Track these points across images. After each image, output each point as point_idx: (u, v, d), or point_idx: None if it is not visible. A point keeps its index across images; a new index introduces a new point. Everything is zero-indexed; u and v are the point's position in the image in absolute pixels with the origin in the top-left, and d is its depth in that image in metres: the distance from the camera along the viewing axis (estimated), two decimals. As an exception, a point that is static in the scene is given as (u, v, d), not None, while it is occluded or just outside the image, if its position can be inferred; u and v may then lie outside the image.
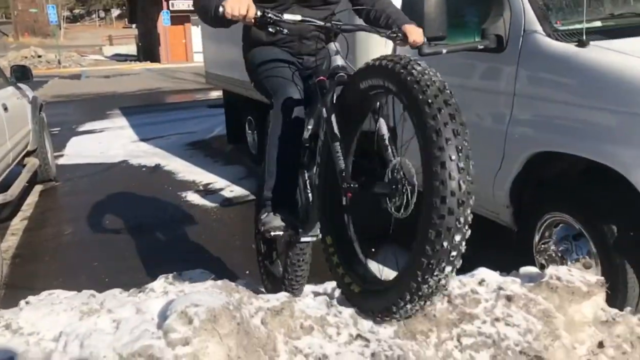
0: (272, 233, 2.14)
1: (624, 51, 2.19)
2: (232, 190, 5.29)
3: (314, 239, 2.26)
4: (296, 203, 2.30)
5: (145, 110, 11.19)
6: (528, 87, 2.48)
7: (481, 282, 1.69)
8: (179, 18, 26.55)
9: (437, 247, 1.36)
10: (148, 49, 29.62)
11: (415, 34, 2.01)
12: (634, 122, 2.04)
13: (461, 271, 1.75)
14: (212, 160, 6.62)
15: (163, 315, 1.21)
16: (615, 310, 1.70)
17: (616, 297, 2.05)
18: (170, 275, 2.26)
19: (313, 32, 2.21)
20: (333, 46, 2.01)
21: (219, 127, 8.02)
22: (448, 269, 1.40)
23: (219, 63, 6.46)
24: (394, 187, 1.60)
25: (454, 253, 1.38)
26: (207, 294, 1.25)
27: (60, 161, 6.90)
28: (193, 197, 5.15)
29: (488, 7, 2.62)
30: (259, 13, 1.84)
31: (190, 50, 27.70)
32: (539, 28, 2.44)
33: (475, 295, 1.62)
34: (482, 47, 2.54)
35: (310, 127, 2.21)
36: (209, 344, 1.09)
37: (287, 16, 1.89)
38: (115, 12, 64.38)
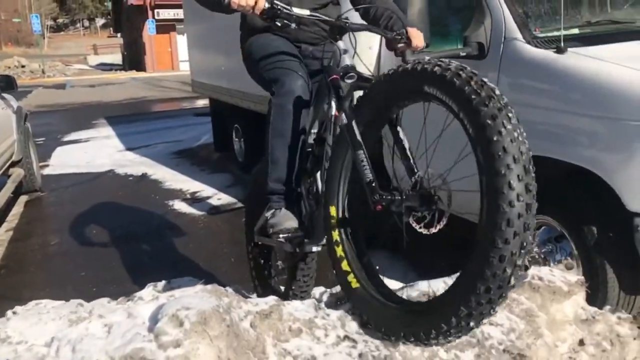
0: (283, 235, 2.04)
1: (601, 57, 2.26)
2: (220, 198, 5.29)
3: (319, 248, 2.17)
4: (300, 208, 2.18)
5: (131, 119, 11.16)
6: (509, 93, 2.50)
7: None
8: (164, 27, 26.53)
9: (499, 272, 1.26)
10: (133, 58, 29.53)
11: (418, 38, 1.98)
12: (610, 126, 2.10)
13: (447, 273, 1.79)
14: (199, 168, 6.63)
15: (154, 319, 1.23)
16: (595, 309, 1.75)
17: (596, 297, 2.11)
18: (159, 284, 2.28)
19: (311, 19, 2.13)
20: (341, 44, 1.93)
21: (205, 135, 8.03)
22: (505, 295, 1.31)
23: (205, 71, 6.49)
24: (423, 202, 1.50)
25: (513, 278, 1.29)
26: (197, 297, 1.28)
27: (46, 171, 6.86)
28: (180, 206, 5.15)
29: (469, 15, 2.69)
30: (267, 5, 1.75)
31: (176, 59, 27.66)
32: (518, 35, 2.50)
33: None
34: (464, 54, 2.60)
35: (314, 130, 2.15)
36: (200, 346, 1.12)
37: (296, 10, 1.81)
38: (100, 21, 64.14)
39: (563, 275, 1.79)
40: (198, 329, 1.14)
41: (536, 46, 2.45)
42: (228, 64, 5.62)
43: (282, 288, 2.53)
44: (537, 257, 2.47)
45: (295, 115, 2.03)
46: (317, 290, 2.09)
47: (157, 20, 26.21)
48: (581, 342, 1.67)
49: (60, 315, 1.60)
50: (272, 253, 2.62)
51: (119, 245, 4.16)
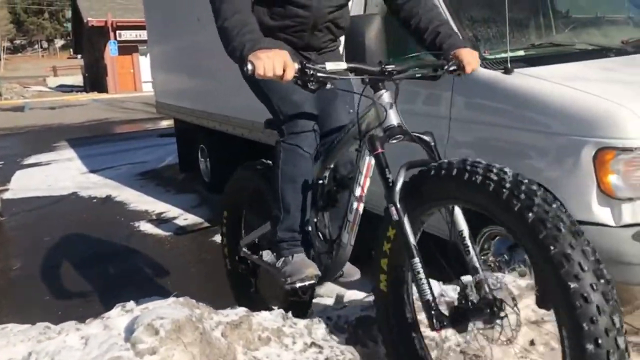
0: (304, 283, 1.81)
1: (544, 77, 2.45)
2: (186, 219, 5.30)
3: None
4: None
5: (93, 141, 11.02)
6: (462, 112, 2.70)
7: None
8: (126, 48, 26.32)
9: None
10: (95, 80, 29.13)
11: (474, 61, 1.78)
12: (552, 141, 2.27)
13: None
14: (164, 189, 6.61)
15: (130, 329, 1.28)
16: (543, 311, 1.88)
17: (548, 300, 2.25)
18: (127, 304, 2.30)
19: (327, 23, 1.95)
20: (385, 96, 1.60)
21: (170, 156, 8.02)
22: None
23: (169, 92, 6.52)
24: (489, 310, 1.33)
25: None
26: (170, 308, 1.34)
27: (6, 195, 6.72)
28: (146, 227, 5.13)
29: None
30: (297, 69, 1.47)
31: (138, 80, 27.42)
32: (469, 57, 2.67)
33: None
34: (419, 75, 2.74)
35: (324, 181, 1.98)
36: (175, 352, 1.18)
37: (330, 66, 1.52)
38: (59, 42, 63.08)
39: (514, 281, 1.92)
40: (173, 336, 1.20)
41: (485, 67, 2.62)
42: (193, 85, 5.69)
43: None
44: (492, 265, 2.61)
45: (307, 159, 1.88)
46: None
47: (119, 42, 25.99)
48: (532, 342, 1.80)
49: (28, 337, 1.62)
50: (258, 270, 2.54)
51: (84, 268, 4.13)
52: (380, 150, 1.55)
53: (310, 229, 1.97)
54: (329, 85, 1.54)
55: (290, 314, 1.67)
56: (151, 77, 7.40)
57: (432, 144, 1.56)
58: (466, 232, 1.45)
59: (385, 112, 1.59)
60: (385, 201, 1.49)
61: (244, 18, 1.56)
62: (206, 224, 5.04)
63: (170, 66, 6.44)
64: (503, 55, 2.59)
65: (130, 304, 2.32)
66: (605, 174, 2.15)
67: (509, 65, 2.51)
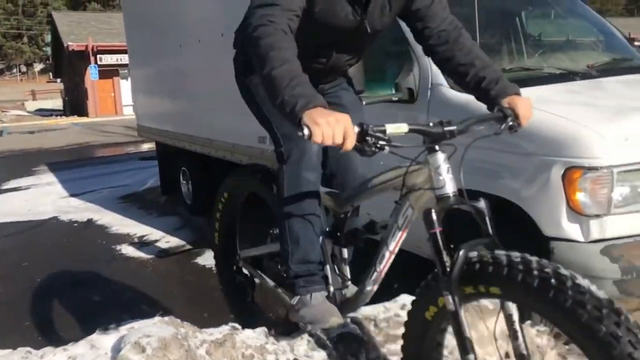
0: (327, 326, 1.69)
1: (514, 100, 2.55)
2: (168, 241, 5.30)
3: None
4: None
5: (74, 165, 10.94)
6: (439, 133, 2.79)
7: (403, 307, 1.89)
8: (107, 72, 26.30)
9: None
10: (75, 103, 28.97)
11: (529, 111, 1.61)
12: (524, 161, 2.37)
13: (386, 298, 1.95)
14: (146, 212, 6.60)
15: (117, 348, 1.32)
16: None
17: (524, 315, 2.32)
18: (110, 326, 2.32)
19: (350, 59, 1.87)
20: (441, 159, 1.43)
21: (152, 179, 8.01)
22: None
23: (151, 116, 6.56)
24: None
25: None
26: (156, 326, 1.38)
27: (-16, 221, 6.64)
28: (128, 250, 5.12)
29: (400, 63, 2.96)
30: (357, 133, 1.30)
31: (119, 104, 27.35)
32: (443, 82, 2.78)
33: (397, 319, 1.82)
34: (396, 98, 2.86)
35: (346, 216, 1.85)
36: (161, 369, 1.22)
37: (390, 129, 1.36)
38: (38, 66, 62.68)
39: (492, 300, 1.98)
40: (159, 354, 1.24)
41: (459, 91, 2.72)
42: (175, 108, 5.74)
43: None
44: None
45: (313, 182, 1.77)
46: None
47: (99, 66, 25.97)
48: (507, 355, 1.85)
49: (11, 362, 1.64)
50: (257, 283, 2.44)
51: (65, 292, 4.10)
52: (437, 229, 1.39)
53: (324, 260, 1.84)
54: (386, 150, 1.34)
55: (272, 331, 1.72)
56: (132, 101, 7.43)
57: (486, 214, 1.42)
58: (516, 317, 1.39)
59: (441, 177, 1.42)
60: (433, 282, 1.40)
61: (294, 69, 1.37)
62: (188, 247, 5.05)
63: (151, 90, 6.50)
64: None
65: (112, 327, 2.34)
66: (574, 191, 2.25)
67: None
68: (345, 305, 1.81)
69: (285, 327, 1.87)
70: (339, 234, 1.88)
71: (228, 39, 4.23)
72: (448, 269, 1.34)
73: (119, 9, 29.17)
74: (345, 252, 1.90)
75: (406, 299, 1.94)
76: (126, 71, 23.00)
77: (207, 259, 4.67)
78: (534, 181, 2.38)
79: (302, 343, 1.64)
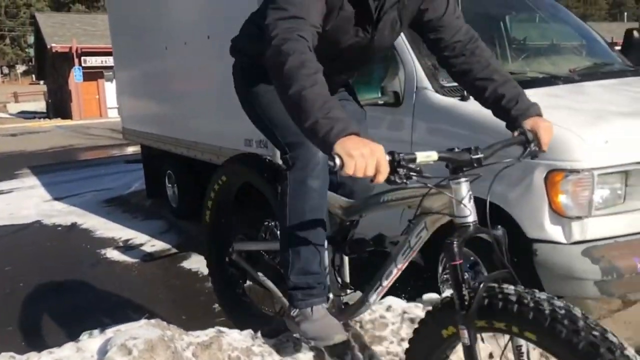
0: (331, 343, 1.66)
1: (497, 104, 2.59)
2: (154, 245, 5.27)
3: None
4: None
5: (58, 168, 10.83)
6: (423, 136, 2.83)
7: (388, 308, 1.91)
8: (91, 74, 26.09)
9: None
10: (59, 106, 28.68)
11: (550, 135, 1.54)
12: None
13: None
14: (131, 215, 6.55)
15: (103, 351, 1.31)
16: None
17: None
18: (94, 332, 2.30)
19: (354, 72, 1.86)
20: (464, 187, 1.38)
21: (137, 182, 7.96)
22: None
23: (136, 118, 6.52)
24: None
25: None
26: (142, 329, 1.38)
27: (-35, 225, 6.55)
28: (113, 254, 5.08)
29: (386, 67, 2.99)
30: (388, 157, 1.24)
31: (104, 106, 27.13)
32: (428, 85, 2.82)
33: (383, 320, 1.84)
34: (382, 102, 2.88)
35: (352, 224, 1.80)
36: (147, 371, 1.22)
37: (420, 157, 1.30)
38: (21, 68, 61.92)
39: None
40: (146, 355, 1.24)
41: (444, 94, 2.76)
42: (160, 111, 5.72)
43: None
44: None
45: (318, 191, 1.70)
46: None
47: (84, 68, 25.74)
48: (490, 355, 1.88)
49: (-6, 366, 1.63)
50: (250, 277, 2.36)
51: (49, 297, 4.06)
52: (458, 261, 1.34)
53: (325, 267, 1.80)
54: (415, 177, 1.30)
55: (259, 333, 1.72)
56: (117, 103, 7.39)
57: (504, 243, 1.39)
58: (525, 348, 1.37)
59: (464, 206, 1.37)
60: (449, 312, 1.36)
61: (326, 91, 1.29)
62: (174, 250, 5.03)
63: (137, 92, 6.46)
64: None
65: (96, 332, 2.32)
66: (556, 194, 2.29)
67: (465, 92, 2.65)
68: (344, 312, 1.80)
69: (275, 325, 1.87)
70: (341, 241, 1.84)
71: (214, 42, 4.26)
72: (466, 303, 1.31)
73: (104, 11, 28.94)
74: (346, 259, 1.87)
75: (392, 301, 1.96)
76: (111, 73, 22.78)
77: (192, 262, 4.65)
78: (517, 184, 2.41)
79: (288, 345, 1.65)
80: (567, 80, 2.98)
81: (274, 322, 2.08)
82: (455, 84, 2.77)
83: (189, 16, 4.64)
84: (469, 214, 1.36)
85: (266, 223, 2.22)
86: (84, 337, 2.06)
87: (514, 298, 1.26)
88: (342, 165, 1.19)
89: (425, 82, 2.82)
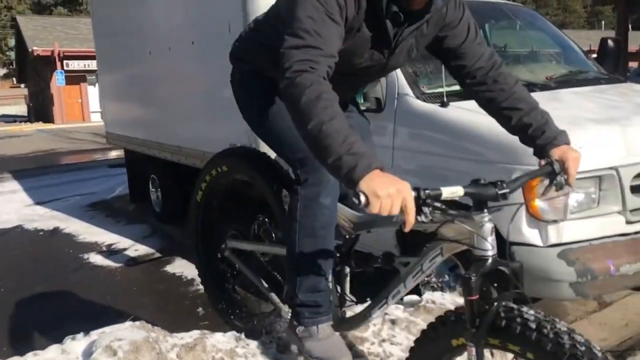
0: None
1: (476, 110, 2.63)
2: (137, 249, 5.26)
3: None
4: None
5: (39, 172, 10.71)
6: (405, 142, 2.88)
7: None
8: (74, 78, 25.84)
9: None
10: (40, 109, 28.36)
11: (578, 164, 1.49)
12: (484, 168, 2.47)
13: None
14: (114, 220, 6.52)
15: (88, 352, 1.33)
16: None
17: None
18: (77, 336, 2.30)
19: (360, 88, 1.85)
20: (487, 221, 1.35)
21: (120, 186, 7.91)
22: None
23: (120, 123, 6.50)
24: None
25: None
26: (127, 330, 1.40)
27: (-56, 230, 6.46)
28: (96, 259, 5.06)
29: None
30: (413, 193, 1.20)
31: (87, 110, 26.89)
32: (409, 92, 2.88)
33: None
34: (364, 108, 2.93)
35: (358, 236, 1.77)
36: (132, 372, 1.24)
37: (446, 193, 1.27)
38: (1, 71, 61.06)
39: (452, 298, 2.07)
40: (131, 357, 1.26)
41: (424, 101, 2.83)
42: (144, 115, 5.71)
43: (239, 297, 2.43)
44: (435, 286, 2.77)
45: (329, 208, 1.68)
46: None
47: (66, 71, 25.50)
48: None
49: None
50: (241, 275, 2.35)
51: (31, 302, 4.03)
52: (475, 296, 1.32)
53: (328, 279, 1.77)
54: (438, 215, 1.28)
55: (243, 335, 1.75)
56: (100, 107, 7.35)
57: (521, 275, 1.41)
58: None
59: (485, 240, 1.33)
60: (460, 325, 1.36)
61: (345, 125, 1.26)
62: (157, 255, 5.02)
63: (120, 96, 6.44)
64: (440, 89, 2.80)
65: (79, 336, 2.33)
66: (533, 198, 2.36)
67: (445, 99, 2.72)
68: (344, 324, 1.79)
69: (260, 324, 1.88)
70: (346, 253, 1.82)
71: (198, 47, 4.28)
72: (477, 324, 1.31)
73: (86, 14, 28.74)
74: (348, 270, 1.85)
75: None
76: (94, 77, 22.55)
77: (176, 267, 4.65)
78: (494, 188, 2.47)
79: (272, 346, 1.68)
80: (544, 87, 3.06)
81: (264, 321, 2.07)
82: (436, 90, 2.88)
83: (173, 22, 4.65)
84: (490, 248, 1.34)
85: (260, 218, 2.17)
86: (68, 340, 2.08)
87: (533, 325, 1.26)
88: (368, 203, 1.16)
89: (407, 89, 2.88)
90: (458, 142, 2.60)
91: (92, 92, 25.50)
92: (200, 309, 3.70)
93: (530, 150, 2.38)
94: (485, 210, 1.34)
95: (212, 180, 2.35)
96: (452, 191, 1.27)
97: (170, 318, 3.51)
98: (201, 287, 4.06)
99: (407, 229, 1.18)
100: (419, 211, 1.19)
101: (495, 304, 1.30)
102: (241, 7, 3.41)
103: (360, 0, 1.41)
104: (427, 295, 2.07)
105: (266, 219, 2.16)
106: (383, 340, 1.84)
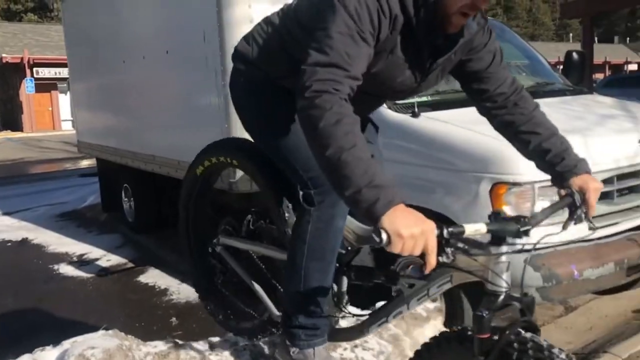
0: None
1: (446, 120, 2.73)
2: (109, 259, 5.19)
3: None
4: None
5: (8, 181, 10.48)
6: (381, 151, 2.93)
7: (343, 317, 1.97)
8: (44, 86, 25.42)
9: None
10: (9, 117, 27.75)
11: (597, 195, 1.44)
12: (453, 177, 2.54)
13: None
14: (85, 230, 6.43)
15: (60, 361, 1.33)
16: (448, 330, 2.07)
17: (456, 320, 2.47)
18: (46, 348, 2.27)
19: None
20: (504, 256, 1.31)
21: (92, 196, 7.80)
22: None
23: (92, 131, 6.43)
24: None
25: None
26: (101, 339, 1.40)
27: None
28: (66, 269, 4.97)
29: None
30: (437, 232, 1.14)
31: (57, 118, 26.44)
32: (382, 102, 2.93)
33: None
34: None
35: (360, 249, 1.70)
36: (105, 380, 1.24)
37: (469, 230, 1.20)
38: (-31, 78, 59.61)
39: (424, 304, 2.11)
40: (104, 364, 1.27)
41: (396, 111, 2.89)
42: (117, 124, 5.67)
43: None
44: (408, 292, 2.82)
45: (341, 230, 1.62)
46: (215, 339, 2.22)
47: (36, 79, 25.06)
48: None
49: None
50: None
51: (0, 314, 3.95)
52: (487, 335, 1.27)
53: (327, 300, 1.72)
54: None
55: (217, 342, 1.76)
56: (72, 116, 7.26)
57: (533, 309, 1.34)
58: None
59: (500, 275, 1.29)
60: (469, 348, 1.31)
61: (365, 154, 1.18)
62: (130, 265, 4.97)
63: (93, 105, 6.38)
64: (411, 100, 2.86)
65: (49, 348, 2.29)
66: (500, 205, 2.43)
67: (416, 109, 2.78)
68: (337, 334, 1.75)
69: (249, 325, 1.82)
70: (345, 264, 1.75)
71: (173, 56, 4.28)
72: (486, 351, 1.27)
73: (57, 21, 28.25)
74: (345, 280, 1.79)
75: (354, 310, 2.02)
76: (65, 85, 22.20)
77: (149, 277, 4.61)
78: (464, 196, 2.54)
79: (245, 354, 1.69)
80: (511, 98, 3.15)
81: (253, 322, 1.99)
82: (407, 101, 2.94)
83: (147, 31, 4.64)
84: (504, 285, 1.29)
85: (250, 216, 2.09)
86: (38, 351, 2.05)
87: (535, 349, 1.23)
88: (389, 243, 1.09)
89: (379, 99, 2.93)
90: (429, 152, 2.66)
91: (64, 100, 25.11)
92: (173, 319, 3.68)
93: (499, 160, 2.50)
94: (503, 246, 1.29)
95: (210, 167, 2.20)
96: (475, 229, 1.21)
97: (143, 328, 3.49)
98: (175, 297, 4.10)
99: (427, 271, 1.14)
100: (440, 251, 1.13)
101: (507, 332, 1.26)
102: (216, 17, 3.43)
103: (395, 22, 1.34)
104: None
105: (258, 217, 2.07)
106: (355, 346, 1.87)
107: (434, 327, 2.04)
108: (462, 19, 1.36)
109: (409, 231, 1.08)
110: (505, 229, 1.28)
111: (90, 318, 3.79)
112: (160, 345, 1.57)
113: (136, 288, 4.40)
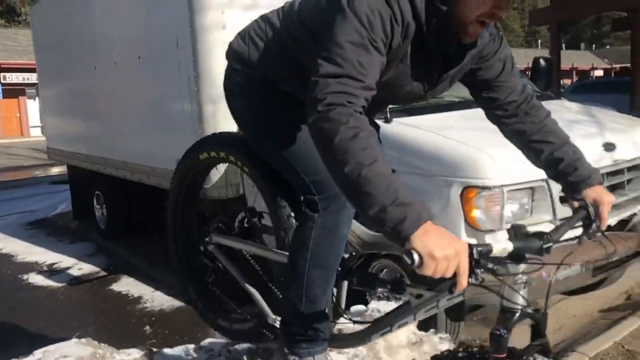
0: None
1: (419, 126, 2.78)
2: (81, 268, 5.11)
3: None
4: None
5: (-26, 190, 10.22)
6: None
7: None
8: (12, 91, 24.85)
9: None
10: (-25, 124, 27.08)
11: (610, 208, 1.40)
12: (427, 182, 2.59)
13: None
14: (56, 238, 6.31)
15: (32, 370, 1.31)
16: (422, 333, 2.11)
17: (430, 324, 2.50)
18: (20, 357, 2.23)
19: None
20: (522, 278, 1.28)
21: (63, 203, 7.66)
22: None
23: (62, 138, 6.33)
24: None
25: None
26: (74, 347, 1.39)
27: None
28: (36, 279, 4.88)
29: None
30: (471, 250, 1.10)
31: (25, 125, 25.88)
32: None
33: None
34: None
35: (364, 256, 1.67)
36: (78, 388, 1.23)
37: (497, 249, 1.17)
38: None
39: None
40: (77, 373, 1.26)
41: (379, 118, 2.92)
42: (89, 130, 5.59)
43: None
44: (382, 296, 2.84)
45: (346, 236, 1.58)
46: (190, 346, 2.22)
47: (3, 84, 24.50)
48: (413, 361, 2.01)
49: None
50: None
51: (-33, 326, 3.85)
52: (504, 355, 1.24)
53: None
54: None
55: (191, 350, 1.76)
56: (41, 122, 7.13)
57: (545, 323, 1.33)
58: None
59: (516, 292, 1.27)
60: None
61: (385, 170, 1.12)
62: (103, 273, 4.90)
63: (63, 111, 6.27)
64: (383, 106, 2.91)
65: (26, 353, 2.25)
66: (471, 209, 2.48)
67: (389, 115, 2.82)
68: (337, 340, 1.72)
69: (243, 325, 1.78)
70: (348, 270, 1.70)
71: (145, 62, 4.25)
72: None
73: (25, 26, 27.69)
74: (345, 285, 1.74)
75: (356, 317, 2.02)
76: (34, 90, 21.75)
77: (122, 285, 4.56)
78: (436, 200, 2.59)
79: (221, 359, 1.69)
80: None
81: (246, 323, 1.96)
82: (380, 106, 2.99)
83: (119, 36, 4.60)
84: (520, 301, 1.27)
85: (242, 215, 2.04)
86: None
87: None
88: (421, 264, 1.02)
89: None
90: (401, 157, 2.70)
91: (32, 106, 24.59)
92: (147, 327, 3.64)
93: (469, 165, 2.56)
94: (522, 263, 1.25)
95: (206, 160, 2.12)
96: (503, 247, 1.18)
97: (117, 336, 3.44)
98: (148, 305, 4.06)
99: (457, 291, 1.08)
100: (470, 272, 1.08)
101: (524, 357, 1.24)
102: (189, 23, 3.43)
103: (407, 30, 1.29)
104: (373, 304, 2.13)
105: (251, 215, 2.02)
106: (330, 350, 1.88)
107: (408, 330, 2.07)
108: (479, 27, 1.31)
109: (442, 253, 1.02)
110: (529, 246, 1.24)
111: (63, 327, 3.72)
112: (134, 353, 1.56)
113: (109, 296, 4.34)
